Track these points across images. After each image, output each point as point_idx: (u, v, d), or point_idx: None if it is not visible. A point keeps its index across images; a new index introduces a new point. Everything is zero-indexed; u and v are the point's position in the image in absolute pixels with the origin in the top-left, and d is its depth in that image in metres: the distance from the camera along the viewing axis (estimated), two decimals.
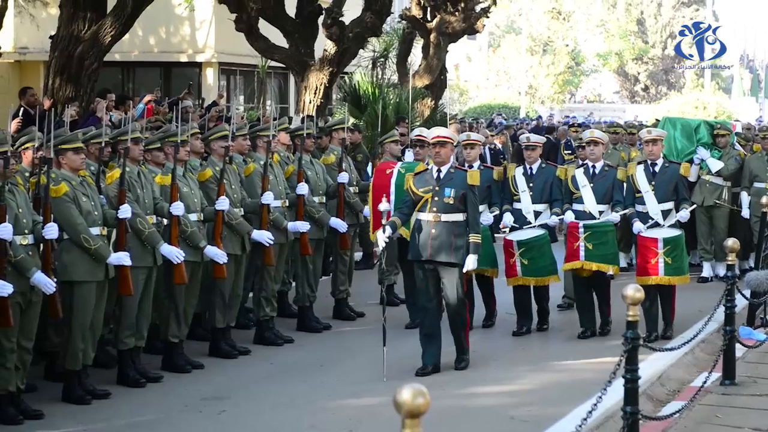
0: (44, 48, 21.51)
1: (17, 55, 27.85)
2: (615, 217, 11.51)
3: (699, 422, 8.39)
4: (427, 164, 10.67)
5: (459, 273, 9.87)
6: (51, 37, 18.28)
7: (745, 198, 15.15)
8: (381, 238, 9.83)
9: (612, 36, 69.19)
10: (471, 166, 11.52)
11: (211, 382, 9.70)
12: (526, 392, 9.47)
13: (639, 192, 11.56)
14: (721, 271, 15.02)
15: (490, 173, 11.87)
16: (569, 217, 11.53)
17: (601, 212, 11.59)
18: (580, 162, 12.45)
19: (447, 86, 28.82)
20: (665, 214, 11.48)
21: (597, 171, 11.75)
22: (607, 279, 11.51)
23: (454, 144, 10.22)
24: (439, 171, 9.94)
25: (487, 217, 11.52)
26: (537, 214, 11.76)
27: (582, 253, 11.27)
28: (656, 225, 11.43)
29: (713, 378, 9.32)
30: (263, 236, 10.68)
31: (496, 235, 12.08)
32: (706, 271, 15.41)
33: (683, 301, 12.38)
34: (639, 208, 11.54)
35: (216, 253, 10.07)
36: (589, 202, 11.64)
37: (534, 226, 11.68)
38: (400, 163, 11.65)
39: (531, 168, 11.91)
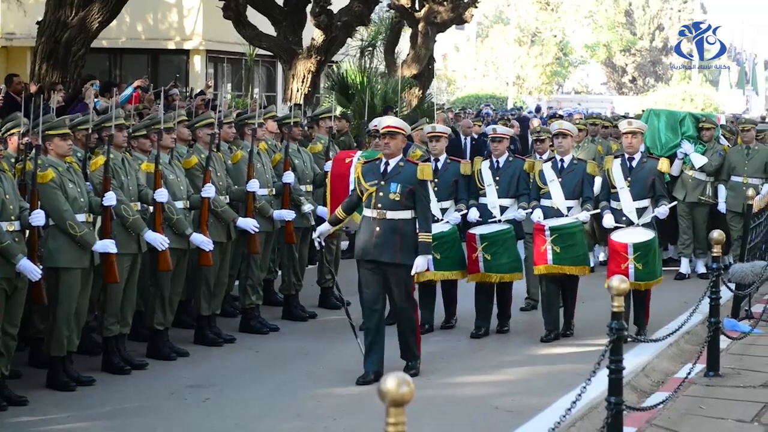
0: (31, 34, 21.49)
1: (4, 41, 27.81)
2: (584, 216, 10.91)
3: (683, 413, 8.41)
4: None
5: (406, 274, 9.16)
6: (38, 22, 18.25)
7: (722, 191, 14.74)
8: (316, 236, 9.61)
9: (600, 27, 69.15)
10: (437, 160, 11.17)
11: (196, 369, 9.69)
12: (510, 382, 9.47)
13: (615, 188, 11.05)
14: (700, 267, 14.82)
15: (457, 167, 11.22)
16: (537, 216, 10.86)
17: (569, 208, 10.97)
18: (538, 156, 11.97)
19: (435, 76, 28.86)
20: (640, 212, 10.94)
21: (565, 165, 11.11)
22: (576, 279, 11.09)
23: (406, 135, 9.53)
24: (386, 164, 9.23)
25: (454, 217, 11.04)
26: (503, 209, 11.16)
27: (550, 257, 10.72)
28: (630, 223, 10.91)
29: (697, 369, 9.34)
30: (248, 224, 10.67)
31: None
32: (684, 267, 14.98)
33: (668, 293, 12.42)
34: (613, 204, 11.02)
35: (202, 241, 10.06)
36: (557, 197, 10.99)
37: (499, 221, 11.08)
38: (359, 152, 11.29)
39: (498, 161, 11.29)
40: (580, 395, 6.80)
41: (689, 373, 9.06)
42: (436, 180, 10.94)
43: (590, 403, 8.06)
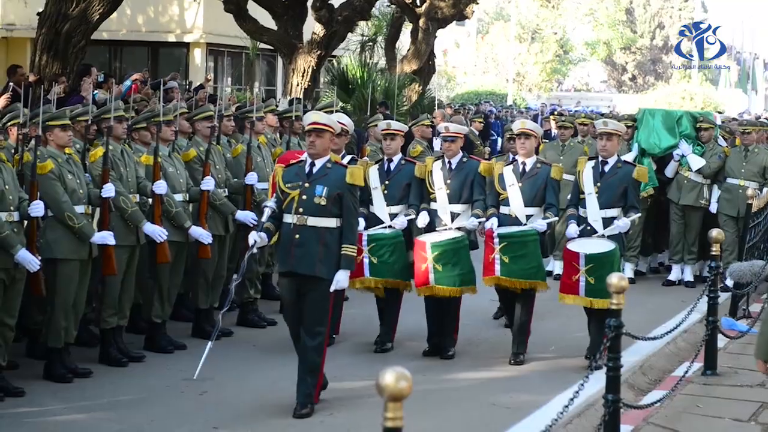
0: (31, 25, 21.46)
1: (4, 32, 27.78)
2: (540, 225, 9.82)
3: (680, 412, 8.42)
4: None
5: (324, 292, 8.12)
6: (39, 13, 18.22)
7: (715, 192, 14.29)
8: (251, 239, 8.37)
9: (601, 25, 69.23)
10: (391, 160, 10.37)
11: (193, 362, 9.63)
12: (508, 379, 9.47)
13: (583, 193, 10.07)
14: (688, 275, 14.31)
15: (411, 169, 10.32)
16: (491, 224, 9.89)
17: (529, 216, 9.96)
18: (511, 157, 10.81)
19: (435, 72, 28.85)
20: (606, 222, 9.89)
21: (527, 168, 10.05)
22: (531, 294, 10.03)
23: (335, 133, 8.53)
24: (312, 165, 8.24)
25: (400, 221, 10.16)
26: (454, 215, 10.13)
27: (497, 267, 9.72)
28: (593, 233, 9.89)
29: (695, 368, 9.36)
30: (247, 217, 10.66)
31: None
32: (674, 274, 14.46)
33: (667, 291, 12.42)
34: (580, 211, 10.07)
35: (201, 234, 10.04)
36: (516, 204, 9.96)
37: (450, 229, 10.07)
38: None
39: (450, 162, 10.20)
40: (577, 392, 6.80)
41: (687, 372, 9.07)
42: (387, 182, 10.31)
43: (587, 401, 8.06)
